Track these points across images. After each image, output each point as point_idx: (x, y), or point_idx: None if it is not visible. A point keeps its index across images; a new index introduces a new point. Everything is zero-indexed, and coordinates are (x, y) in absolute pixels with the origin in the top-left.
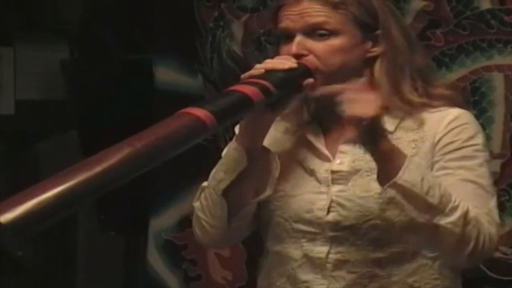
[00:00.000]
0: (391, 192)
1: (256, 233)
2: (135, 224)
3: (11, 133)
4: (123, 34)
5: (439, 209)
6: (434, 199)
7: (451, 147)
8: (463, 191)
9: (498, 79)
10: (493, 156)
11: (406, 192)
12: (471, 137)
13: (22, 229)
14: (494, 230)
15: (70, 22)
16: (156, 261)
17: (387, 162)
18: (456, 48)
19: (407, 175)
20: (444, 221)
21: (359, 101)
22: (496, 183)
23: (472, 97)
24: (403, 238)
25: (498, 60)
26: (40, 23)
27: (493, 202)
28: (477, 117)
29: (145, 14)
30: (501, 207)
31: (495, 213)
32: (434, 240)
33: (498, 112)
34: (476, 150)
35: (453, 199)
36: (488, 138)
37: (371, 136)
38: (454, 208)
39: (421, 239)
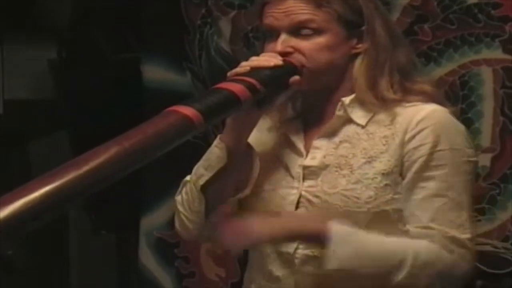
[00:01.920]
0: (336, 273)
1: None
2: (126, 222)
3: (0, 133)
4: (111, 34)
5: (384, 273)
6: (372, 268)
7: (421, 151)
8: (433, 208)
9: (486, 73)
10: (482, 150)
11: (341, 273)
12: (440, 141)
13: (11, 229)
14: (458, 257)
15: (58, 22)
16: (148, 259)
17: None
18: (444, 43)
19: (331, 264)
20: (397, 278)
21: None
22: (486, 177)
23: (461, 91)
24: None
25: (486, 54)
26: (28, 22)
27: (464, 215)
28: (466, 111)
29: (133, 13)
30: (492, 201)
31: (467, 226)
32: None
33: (487, 106)
34: (445, 157)
35: (394, 255)
36: (477, 132)
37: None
38: (401, 264)
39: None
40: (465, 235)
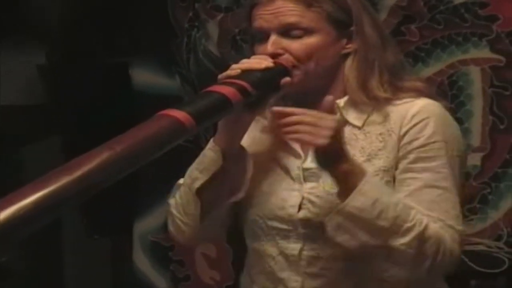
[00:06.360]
0: (338, 219)
1: (242, 233)
2: (119, 227)
3: None
4: (100, 38)
5: (391, 231)
6: (385, 222)
7: (415, 144)
8: (428, 199)
9: (474, 73)
10: (473, 150)
11: (353, 218)
12: (434, 132)
13: (4, 236)
14: (457, 246)
15: (47, 27)
16: (143, 263)
17: (346, 182)
18: (431, 43)
19: (356, 201)
20: (396, 242)
21: (313, 127)
22: (477, 176)
23: (450, 91)
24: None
25: (473, 53)
26: (18, 28)
27: (458, 208)
28: (455, 111)
29: (121, 18)
30: (483, 200)
31: (460, 219)
32: (389, 259)
33: (477, 106)
34: (440, 148)
35: (410, 218)
36: (467, 131)
37: (328, 158)
38: (409, 229)
39: (376, 259)
40: (459, 227)
